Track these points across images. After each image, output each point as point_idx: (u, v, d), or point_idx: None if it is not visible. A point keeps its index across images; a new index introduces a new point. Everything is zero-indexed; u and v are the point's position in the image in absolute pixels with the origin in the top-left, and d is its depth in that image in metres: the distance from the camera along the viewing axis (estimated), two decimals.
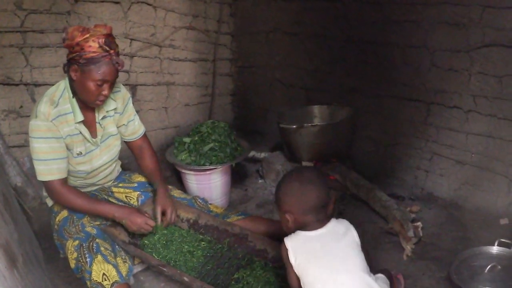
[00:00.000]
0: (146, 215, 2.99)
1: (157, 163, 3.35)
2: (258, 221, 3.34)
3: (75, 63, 2.72)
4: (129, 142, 3.31)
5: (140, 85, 4.66)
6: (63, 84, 2.87)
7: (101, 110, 3.00)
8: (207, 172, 3.83)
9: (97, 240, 2.85)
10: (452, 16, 3.66)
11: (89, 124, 2.98)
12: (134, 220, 2.92)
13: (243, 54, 5.50)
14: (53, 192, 2.89)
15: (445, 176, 4.06)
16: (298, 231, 2.31)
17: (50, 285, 2.98)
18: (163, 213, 3.11)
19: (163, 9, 4.71)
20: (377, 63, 4.33)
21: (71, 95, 2.85)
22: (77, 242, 2.85)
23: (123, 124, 3.20)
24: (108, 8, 4.32)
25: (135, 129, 3.27)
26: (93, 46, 2.67)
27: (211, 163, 3.84)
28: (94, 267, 2.70)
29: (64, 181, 2.89)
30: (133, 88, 4.62)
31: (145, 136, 3.35)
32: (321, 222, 2.30)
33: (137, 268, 3.10)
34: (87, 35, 2.67)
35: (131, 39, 4.50)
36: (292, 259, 2.25)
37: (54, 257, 3.28)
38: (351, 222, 2.40)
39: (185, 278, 2.66)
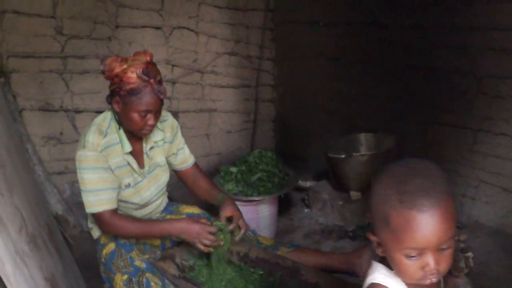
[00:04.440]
0: (202, 221, 2.85)
1: (213, 183, 3.27)
2: (308, 253, 3.24)
3: (116, 95, 2.67)
4: (181, 171, 3.22)
5: (182, 111, 4.64)
6: (110, 114, 2.82)
7: (148, 140, 2.95)
8: (255, 203, 3.77)
9: (146, 274, 2.76)
10: (499, 42, 3.64)
11: (137, 154, 2.92)
12: (191, 230, 2.78)
13: (285, 80, 5.48)
14: (104, 223, 2.79)
15: (491, 203, 4.01)
16: None
17: None
18: (229, 219, 2.96)
19: (205, 34, 4.73)
20: (421, 89, 4.30)
21: (118, 126, 2.80)
22: (126, 276, 2.77)
23: (173, 153, 3.14)
24: (149, 33, 4.34)
25: (186, 157, 3.19)
26: (132, 77, 2.62)
27: (259, 194, 3.79)
28: None
29: (115, 211, 2.82)
30: (175, 115, 4.58)
31: (196, 164, 3.27)
32: None
33: None
34: (125, 66, 2.62)
35: (173, 65, 4.53)
36: None
37: None
38: None
39: None
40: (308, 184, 4.56)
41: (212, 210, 3.26)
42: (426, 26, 4.07)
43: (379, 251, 1.58)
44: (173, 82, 4.53)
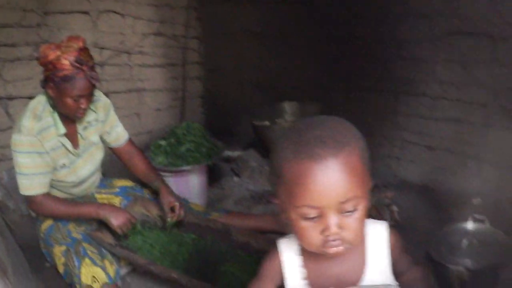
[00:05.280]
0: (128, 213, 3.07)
1: (150, 164, 3.42)
2: (238, 216, 3.46)
3: (50, 81, 2.77)
4: (116, 149, 3.35)
5: (112, 92, 4.69)
6: (44, 98, 2.91)
7: (82, 121, 3.05)
8: (185, 173, 3.89)
9: (83, 244, 2.91)
10: (417, 7, 3.79)
11: (71, 136, 3.02)
12: (117, 216, 2.98)
13: (212, 57, 5.57)
14: (36, 204, 2.95)
15: (416, 162, 4.19)
16: None
17: None
18: (172, 210, 3.16)
19: (131, 16, 4.77)
20: (345, 59, 4.45)
21: (52, 109, 2.90)
22: (64, 247, 2.91)
23: (106, 132, 3.24)
24: (77, 18, 4.35)
25: (119, 135, 3.31)
26: (65, 64, 2.71)
27: (188, 164, 3.90)
28: (83, 270, 2.75)
29: (46, 194, 2.95)
30: None
31: (131, 141, 3.40)
32: None
33: (124, 270, 3.15)
34: (59, 53, 2.70)
35: (101, 48, 4.54)
36: None
37: (39, 268, 3.30)
38: None
39: (173, 275, 2.73)
40: (236, 154, 4.68)
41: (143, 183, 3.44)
42: None
43: (283, 216, 1.36)
44: (102, 65, 4.56)
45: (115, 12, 4.64)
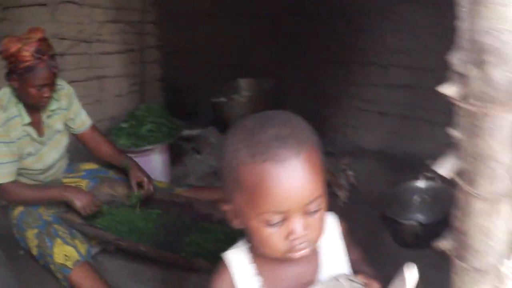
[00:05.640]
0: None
1: (115, 147, 3.55)
2: (201, 190, 3.63)
3: (13, 73, 2.88)
4: (81, 135, 3.44)
5: (73, 81, 4.74)
6: (9, 90, 3.02)
7: (46, 110, 3.15)
8: (147, 153, 4.02)
9: (54, 225, 3.05)
10: None
11: (36, 124, 3.13)
12: (81, 198, 3.08)
13: (169, 41, 5.66)
14: (4, 192, 3.05)
15: (370, 129, 4.39)
16: None
17: (15, 281, 3.13)
18: (140, 185, 3.30)
19: (88, 5, 4.81)
20: (297, 34, 4.61)
21: (17, 100, 3.01)
22: (36, 230, 3.06)
23: (70, 118, 3.34)
24: (36, 11, 4.39)
25: (82, 121, 3.41)
26: (26, 55, 2.82)
27: (150, 144, 4.03)
28: (55, 249, 2.91)
29: (13, 182, 3.05)
30: None
31: (95, 127, 3.51)
32: None
33: (95, 250, 3.29)
34: (20, 45, 2.81)
35: (61, 38, 4.58)
36: None
37: (14, 256, 3.35)
38: None
39: (141, 247, 2.91)
40: (196, 132, 4.82)
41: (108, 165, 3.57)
42: None
43: (236, 223, 1.26)
44: (62, 55, 4.57)
45: (72, 2, 4.68)
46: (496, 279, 1.13)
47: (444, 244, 1.19)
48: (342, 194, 3.70)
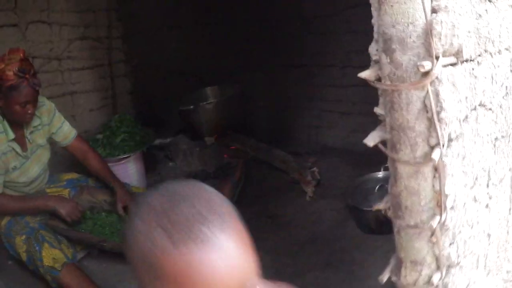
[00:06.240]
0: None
1: (103, 162, 3.69)
2: None
3: None
4: (67, 147, 3.59)
5: (47, 98, 4.83)
6: None
7: (28, 126, 3.30)
8: (122, 162, 4.18)
9: (41, 231, 3.21)
10: None
11: (20, 140, 3.27)
12: (65, 206, 3.26)
13: (136, 54, 5.74)
14: None
15: (333, 128, 4.60)
16: None
17: None
18: (124, 208, 3.46)
19: (57, 24, 4.94)
20: (258, 40, 4.82)
21: (1, 117, 3.15)
22: (24, 236, 3.20)
23: (53, 133, 3.49)
24: (7, 31, 4.51)
25: (66, 133, 3.56)
26: (10, 74, 2.96)
27: (124, 152, 4.22)
28: (44, 253, 3.06)
29: (1, 194, 3.20)
30: None
31: (80, 137, 3.66)
32: None
33: (80, 255, 3.47)
34: (3, 66, 2.97)
35: (33, 57, 4.64)
36: None
37: (2, 266, 3.53)
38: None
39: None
40: (168, 140, 4.99)
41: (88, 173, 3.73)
42: None
43: None
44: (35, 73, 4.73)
45: (42, 21, 4.81)
46: (431, 234, 1.35)
47: (382, 205, 1.42)
48: (309, 190, 3.93)
